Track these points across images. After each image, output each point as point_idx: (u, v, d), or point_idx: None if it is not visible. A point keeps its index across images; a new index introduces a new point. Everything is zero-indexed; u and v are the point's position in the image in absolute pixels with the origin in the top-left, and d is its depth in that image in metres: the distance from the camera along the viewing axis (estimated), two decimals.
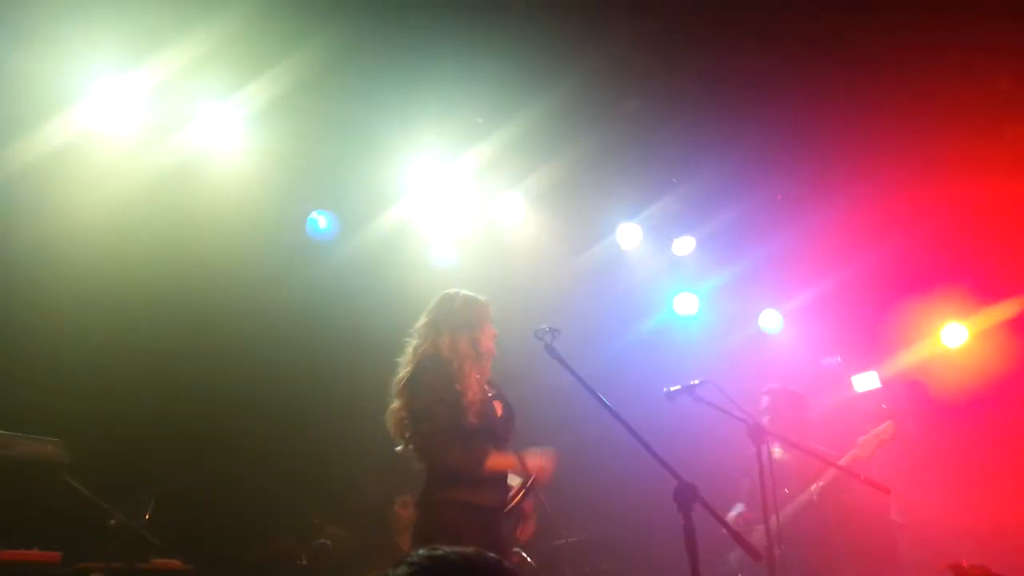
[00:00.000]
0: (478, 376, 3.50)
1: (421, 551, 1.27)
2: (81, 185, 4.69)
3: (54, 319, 4.61)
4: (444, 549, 1.27)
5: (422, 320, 3.63)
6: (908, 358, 6.59)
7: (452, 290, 3.68)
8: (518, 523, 3.59)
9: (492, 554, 1.30)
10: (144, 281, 4.93)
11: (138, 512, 4.20)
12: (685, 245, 6.65)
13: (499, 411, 3.55)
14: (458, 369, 3.46)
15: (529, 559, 5.00)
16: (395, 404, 3.51)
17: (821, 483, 4.65)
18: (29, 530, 3.92)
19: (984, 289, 6.51)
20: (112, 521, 3.99)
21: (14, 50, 4.36)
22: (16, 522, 3.89)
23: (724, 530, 2.67)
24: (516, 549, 4.99)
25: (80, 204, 4.67)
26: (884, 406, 5.09)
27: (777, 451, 4.98)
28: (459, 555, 1.26)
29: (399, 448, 3.55)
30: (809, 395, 6.23)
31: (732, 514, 4.75)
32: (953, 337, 6.72)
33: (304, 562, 4.91)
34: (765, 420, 4.65)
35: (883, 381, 6.12)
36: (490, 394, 3.58)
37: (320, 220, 5.65)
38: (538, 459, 3.46)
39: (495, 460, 3.41)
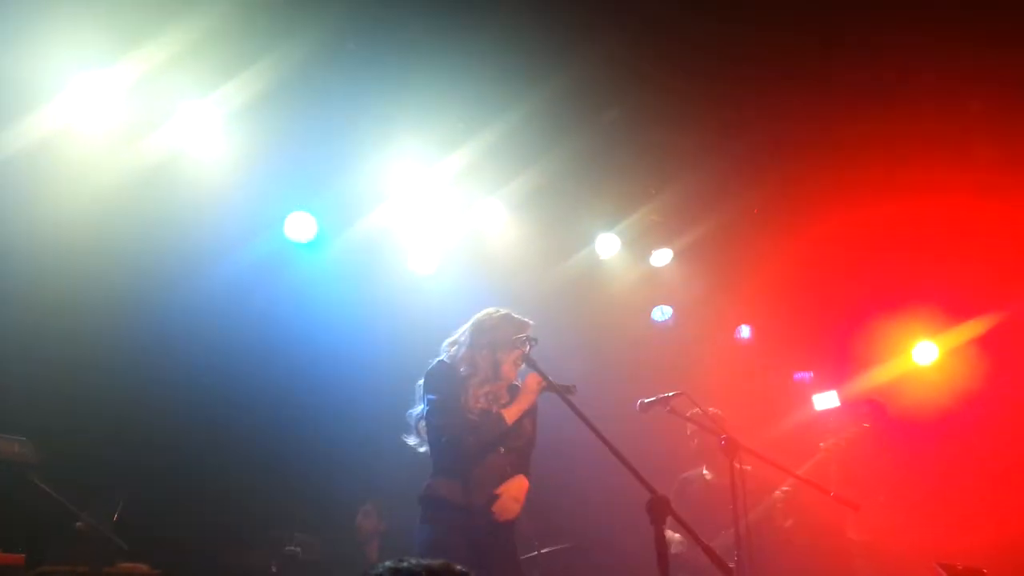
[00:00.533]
0: (488, 394, 3.55)
1: (387, 563, 1.28)
2: (57, 183, 4.62)
3: (25, 317, 4.54)
4: (410, 561, 1.27)
5: (460, 328, 3.72)
6: (878, 376, 6.67)
7: (496, 308, 3.72)
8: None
9: (460, 567, 1.30)
10: (119, 280, 4.87)
11: (106, 515, 4.14)
12: (663, 257, 6.69)
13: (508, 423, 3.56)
14: (467, 382, 3.54)
15: None
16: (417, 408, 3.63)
17: (786, 488, 4.71)
18: None
19: (955, 307, 6.61)
20: (79, 523, 3.94)
21: None
22: None
23: (695, 543, 2.68)
24: None
25: (56, 202, 4.60)
26: (865, 425, 5.15)
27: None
28: (424, 567, 1.27)
29: (411, 440, 3.65)
30: (777, 411, 6.33)
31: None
32: (924, 355, 6.81)
33: (274, 570, 4.87)
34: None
35: (842, 400, 6.19)
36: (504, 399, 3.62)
37: (298, 222, 5.60)
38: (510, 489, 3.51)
39: (499, 423, 3.45)
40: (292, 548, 4.83)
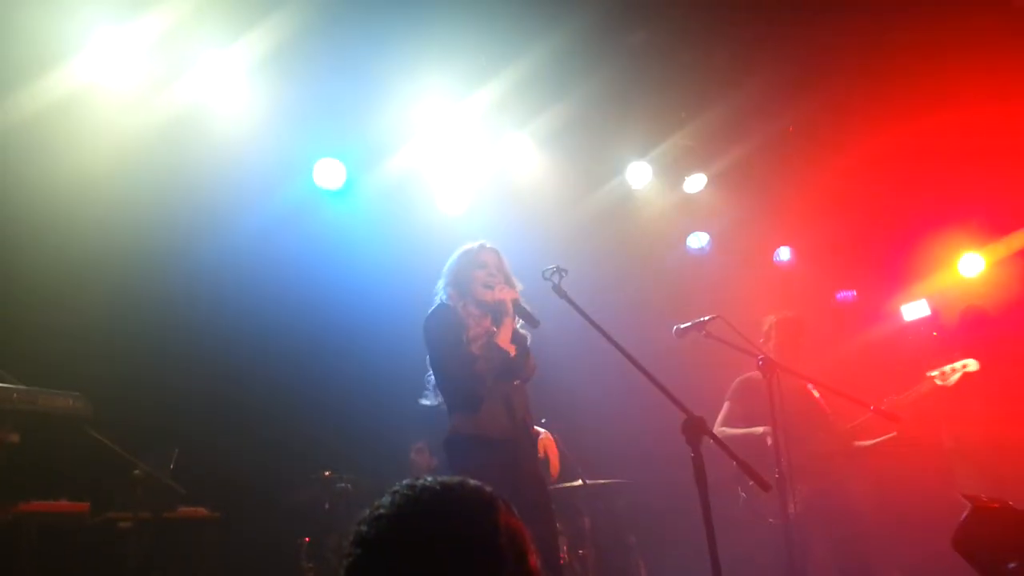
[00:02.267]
0: (477, 314, 3.60)
1: (405, 481, 1.31)
2: (83, 136, 4.68)
3: (65, 273, 4.65)
4: (426, 479, 1.30)
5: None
6: (925, 289, 6.55)
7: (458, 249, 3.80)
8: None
9: (474, 481, 1.33)
10: (152, 232, 4.95)
11: (162, 462, 4.29)
12: (696, 182, 6.58)
13: (512, 351, 3.59)
14: (459, 312, 3.60)
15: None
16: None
17: (873, 441, 4.54)
18: (57, 482, 4.02)
19: (1000, 219, 6.43)
20: (136, 471, 4.09)
21: (12, 3, 4.31)
22: (44, 475, 3.98)
23: (733, 462, 2.69)
24: None
25: (83, 155, 4.66)
26: (935, 334, 5.01)
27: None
28: (440, 482, 1.30)
29: (426, 401, 3.71)
30: (826, 329, 6.22)
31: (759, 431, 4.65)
32: (970, 267, 6.67)
33: (327, 507, 5.02)
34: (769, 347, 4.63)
35: (933, 308, 6.05)
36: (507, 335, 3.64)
37: (327, 167, 5.60)
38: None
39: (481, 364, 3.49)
40: (344, 485, 4.96)
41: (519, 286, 3.72)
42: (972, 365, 4.48)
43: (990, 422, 5.59)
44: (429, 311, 3.65)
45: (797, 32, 5.29)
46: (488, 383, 3.47)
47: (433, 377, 3.65)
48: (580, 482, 5.13)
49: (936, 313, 6.01)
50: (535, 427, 3.71)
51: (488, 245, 3.75)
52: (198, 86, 4.97)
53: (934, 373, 4.54)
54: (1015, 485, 5.30)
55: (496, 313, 3.61)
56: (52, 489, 3.94)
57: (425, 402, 3.72)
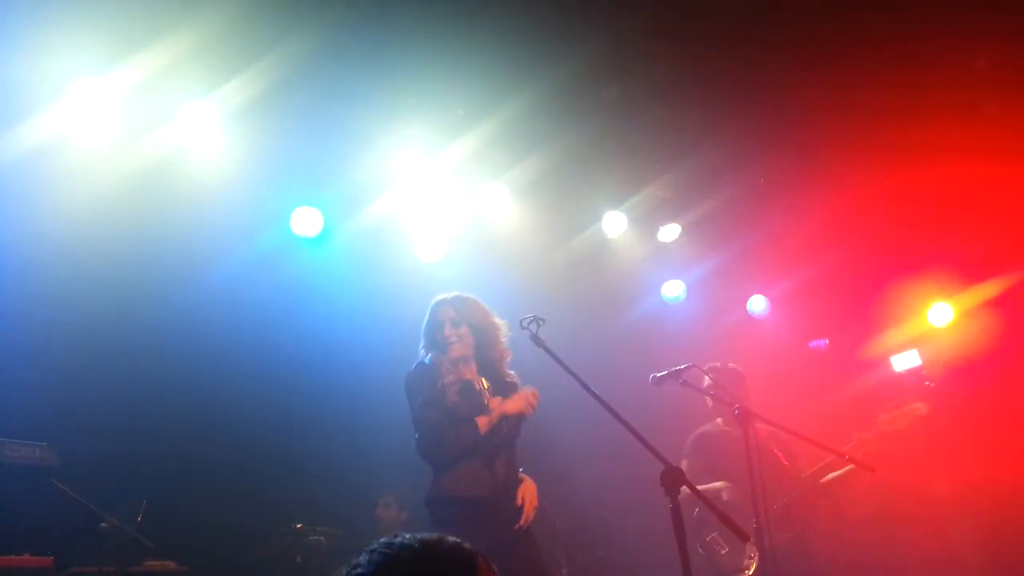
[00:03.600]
0: (455, 384, 3.59)
1: (382, 539, 1.30)
2: (59, 186, 4.65)
3: (35, 321, 4.58)
4: (404, 536, 1.29)
5: None
6: (894, 338, 6.65)
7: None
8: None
9: (452, 538, 1.31)
10: (127, 283, 4.90)
11: (130, 515, 4.19)
12: (671, 232, 6.67)
13: (496, 401, 3.59)
14: (435, 365, 3.61)
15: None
16: None
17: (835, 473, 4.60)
18: (20, 536, 3.91)
19: (970, 268, 6.58)
20: (103, 524, 3.99)
21: None
22: (7, 528, 3.88)
23: (711, 512, 2.68)
24: None
25: (58, 205, 4.63)
26: (929, 383, 5.12)
27: (722, 423, 4.97)
28: (418, 539, 1.29)
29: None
30: (800, 378, 6.29)
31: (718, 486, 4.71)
32: (940, 316, 6.79)
33: (299, 560, 4.91)
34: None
35: (923, 358, 6.14)
36: (485, 387, 3.66)
37: (303, 216, 5.62)
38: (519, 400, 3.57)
39: (472, 431, 3.47)
40: (316, 538, 4.86)
41: (498, 322, 3.72)
42: (921, 409, 4.60)
43: (987, 468, 5.67)
44: (411, 368, 3.67)
45: (768, 88, 5.43)
46: (468, 433, 3.45)
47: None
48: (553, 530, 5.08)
49: (925, 363, 6.11)
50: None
51: (439, 298, 3.75)
52: (175, 136, 4.97)
53: (884, 417, 4.64)
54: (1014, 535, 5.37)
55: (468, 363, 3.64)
56: (15, 542, 3.84)
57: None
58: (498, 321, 3.73)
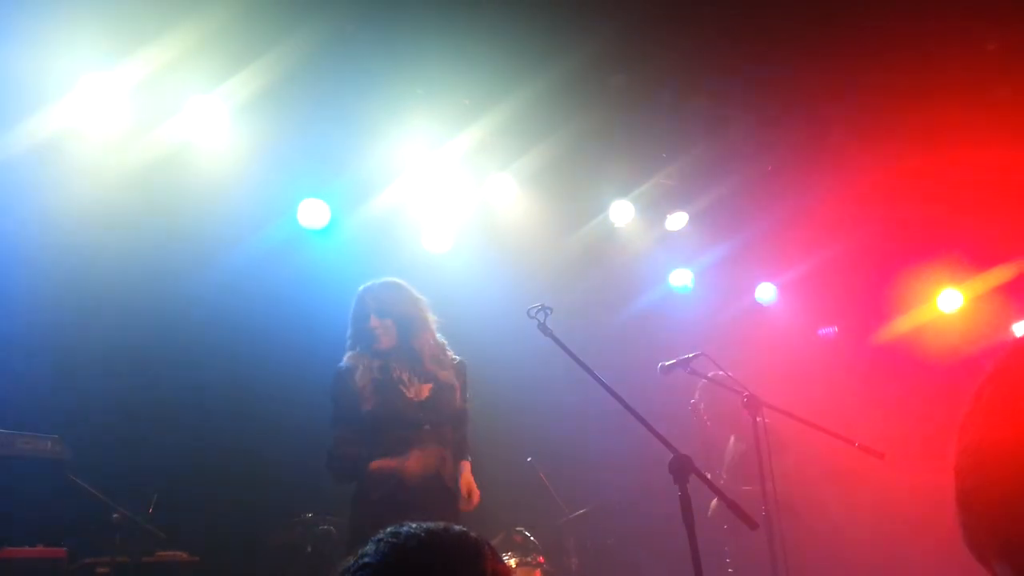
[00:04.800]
0: (371, 362, 3.52)
1: (389, 528, 1.31)
2: (67, 180, 4.68)
3: (46, 315, 4.61)
4: (410, 525, 1.30)
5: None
6: (903, 324, 6.64)
7: None
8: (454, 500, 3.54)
9: (459, 527, 1.32)
10: (135, 274, 4.91)
11: (141, 506, 4.23)
12: (678, 220, 6.65)
13: (423, 393, 3.51)
14: (351, 369, 3.54)
15: (532, 537, 5.04)
16: None
17: None
18: (34, 527, 3.95)
19: (979, 254, 6.55)
20: (115, 515, 4.02)
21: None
22: (20, 520, 3.92)
23: (720, 500, 2.69)
24: (519, 528, 5.03)
25: (67, 200, 4.66)
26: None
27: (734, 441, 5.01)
28: (424, 528, 1.30)
29: None
30: (807, 366, 6.29)
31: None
32: (949, 303, 6.76)
33: (309, 549, 4.94)
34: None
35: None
36: (413, 378, 3.55)
37: (311, 208, 5.63)
38: (410, 459, 3.42)
39: (345, 450, 3.45)
40: (326, 527, 4.88)
41: (427, 311, 3.65)
42: None
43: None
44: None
45: (776, 73, 5.40)
46: (381, 433, 3.40)
47: None
48: (564, 518, 5.11)
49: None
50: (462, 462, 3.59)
51: (365, 287, 3.66)
52: (183, 129, 4.99)
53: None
54: None
55: (398, 358, 3.55)
56: (29, 535, 3.87)
57: None
58: (427, 310, 3.65)
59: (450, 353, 3.68)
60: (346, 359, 3.60)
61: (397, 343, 3.55)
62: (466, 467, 3.60)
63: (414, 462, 3.38)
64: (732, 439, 5.13)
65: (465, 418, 3.70)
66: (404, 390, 3.49)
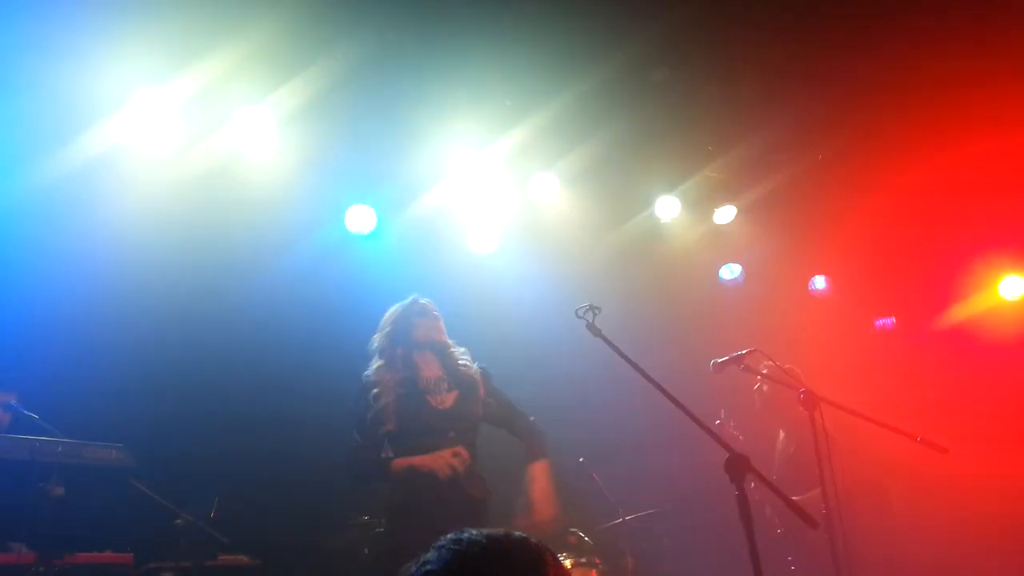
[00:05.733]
0: (393, 379, 3.53)
1: (450, 535, 1.31)
2: (122, 193, 4.82)
3: (106, 326, 4.74)
4: (471, 532, 1.30)
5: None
6: (964, 311, 6.46)
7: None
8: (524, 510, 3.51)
9: (519, 533, 1.32)
10: (188, 283, 5.04)
11: (203, 511, 4.32)
12: (727, 214, 6.56)
13: (447, 402, 3.51)
14: (375, 383, 3.54)
15: (587, 538, 5.02)
16: None
17: None
18: (101, 534, 4.07)
19: None
20: (178, 521, 4.12)
21: (53, 65, 4.48)
22: (90, 526, 4.03)
23: (779, 499, 2.64)
24: (573, 529, 5.02)
25: (122, 212, 4.79)
26: None
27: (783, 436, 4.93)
28: (485, 535, 1.30)
29: None
30: (864, 358, 6.14)
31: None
32: (1012, 289, 6.56)
33: (366, 551, 4.99)
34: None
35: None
36: (443, 386, 3.56)
37: (358, 213, 5.71)
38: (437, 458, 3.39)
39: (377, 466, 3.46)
40: (382, 530, 4.93)
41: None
42: None
43: None
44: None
45: (825, 61, 5.26)
46: (405, 443, 3.41)
47: None
48: (620, 520, 5.07)
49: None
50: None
51: (421, 300, 3.72)
52: (233, 140, 5.10)
53: None
54: None
55: (443, 353, 3.58)
56: (97, 541, 3.99)
57: None
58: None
59: (472, 362, 3.70)
60: (372, 370, 3.61)
61: (430, 351, 3.59)
62: (537, 471, 3.57)
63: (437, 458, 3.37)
64: (781, 435, 5.03)
65: (513, 416, 3.67)
66: (429, 399, 3.51)
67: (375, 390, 3.52)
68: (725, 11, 4.84)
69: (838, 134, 5.95)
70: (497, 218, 6.10)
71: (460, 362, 3.62)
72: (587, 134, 5.72)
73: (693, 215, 6.55)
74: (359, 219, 5.71)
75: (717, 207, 6.54)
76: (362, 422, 3.51)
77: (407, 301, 3.73)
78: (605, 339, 3.25)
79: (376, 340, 3.69)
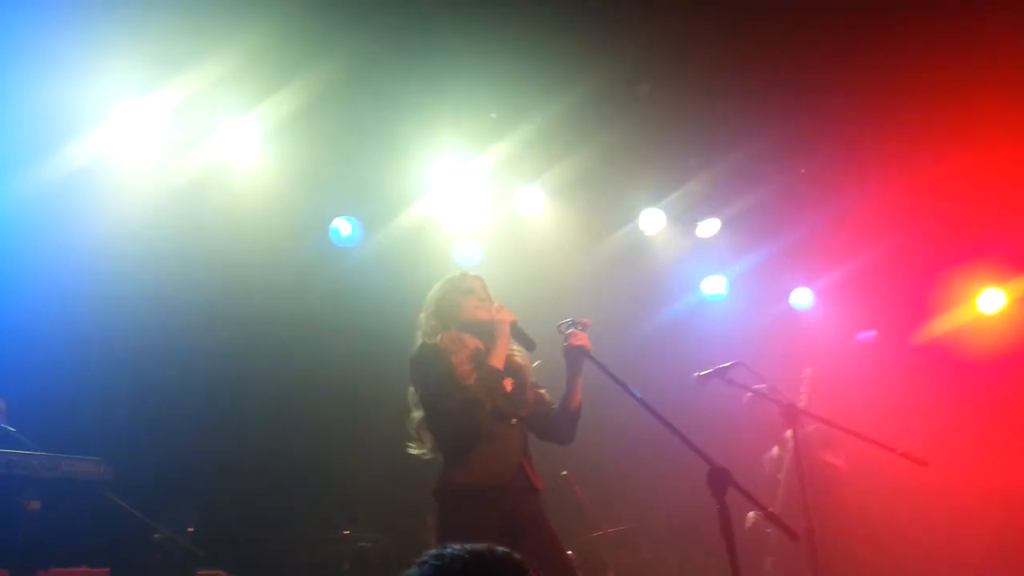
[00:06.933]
0: (463, 339, 3.35)
1: (432, 551, 1.30)
2: (105, 203, 4.78)
3: (85, 337, 4.69)
4: (454, 548, 1.29)
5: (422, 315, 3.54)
6: (943, 324, 6.51)
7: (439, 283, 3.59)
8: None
9: (502, 548, 1.31)
10: (172, 295, 5.00)
11: (181, 525, 4.27)
12: (710, 227, 6.59)
13: (507, 387, 3.37)
14: (449, 349, 3.31)
15: (569, 552, 5.00)
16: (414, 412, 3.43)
17: None
18: (78, 548, 4.00)
19: (1022, 254, 6.40)
20: (156, 535, 4.08)
21: (36, 75, 4.44)
22: (66, 540, 3.97)
23: (761, 512, 2.64)
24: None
25: (105, 221, 4.76)
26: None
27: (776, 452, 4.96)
28: (468, 551, 1.28)
29: (413, 450, 3.44)
30: (846, 371, 6.19)
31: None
32: (990, 303, 6.62)
33: (347, 567, 4.95)
34: (802, 399, 4.64)
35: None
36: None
37: (342, 226, 5.70)
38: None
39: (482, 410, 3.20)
40: (363, 544, 4.90)
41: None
42: None
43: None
44: (413, 352, 3.39)
45: (808, 74, 5.31)
46: (483, 418, 3.17)
47: (425, 421, 3.36)
48: (601, 532, 5.06)
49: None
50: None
51: (471, 273, 3.56)
52: (217, 152, 5.08)
53: None
54: None
55: (489, 335, 3.33)
56: (73, 555, 3.93)
57: (412, 451, 3.43)
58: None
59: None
60: (430, 331, 3.37)
61: (494, 321, 3.36)
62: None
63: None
64: (775, 451, 5.06)
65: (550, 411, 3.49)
66: (494, 363, 3.30)
67: (450, 352, 3.28)
68: (709, 25, 4.88)
69: (820, 148, 6.01)
70: (482, 230, 6.10)
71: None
72: (573, 147, 5.74)
73: (677, 228, 6.58)
74: (344, 231, 5.71)
75: (701, 220, 6.57)
76: (442, 383, 3.22)
77: (456, 276, 3.54)
78: (588, 354, 3.26)
79: (424, 316, 3.47)
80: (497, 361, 3.27)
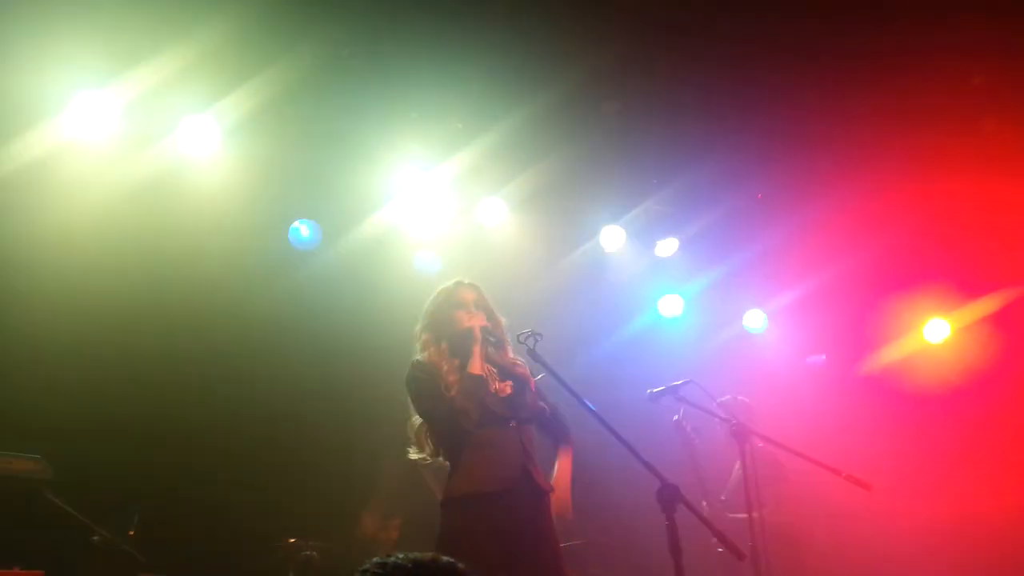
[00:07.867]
0: (456, 360, 3.41)
1: (375, 559, 1.29)
2: (60, 196, 4.68)
3: (33, 331, 4.58)
4: (397, 556, 1.28)
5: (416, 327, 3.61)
6: (890, 354, 6.66)
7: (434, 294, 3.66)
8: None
9: (447, 558, 1.31)
10: (124, 292, 4.90)
11: (123, 528, 4.17)
12: (668, 247, 6.66)
13: (506, 390, 3.39)
14: (436, 363, 3.40)
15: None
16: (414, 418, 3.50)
17: None
18: (11, 548, 3.88)
19: (966, 284, 6.58)
20: (96, 538, 3.97)
21: None
22: None
23: (708, 529, 2.67)
24: None
25: (59, 215, 4.65)
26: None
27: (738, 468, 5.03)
28: (411, 559, 1.28)
29: (416, 456, 3.49)
30: (795, 394, 6.30)
31: None
32: (936, 333, 6.78)
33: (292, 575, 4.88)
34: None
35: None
36: (495, 376, 3.43)
37: (302, 229, 5.64)
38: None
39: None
40: (309, 553, 4.83)
41: (503, 320, 3.56)
42: None
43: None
44: (411, 367, 3.44)
45: (766, 103, 5.44)
46: (470, 426, 3.23)
47: (422, 429, 3.44)
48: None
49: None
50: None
51: (465, 281, 3.61)
52: (176, 147, 4.99)
53: None
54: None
55: (464, 344, 3.40)
56: (6, 556, 3.81)
57: (412, 456, 3.48)
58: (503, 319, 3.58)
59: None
60: (422, 347, 3.47)
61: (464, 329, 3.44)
62: (563, 456, 3.53)
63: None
64: (737, 465, 5.11)
65: (546, 411, 3.53)
66: (488, 382, 3.36)
67: (435, 366, 3.37)
68: (670, 45, 4.96)
69: (776, 173, 6.13)
70: (443, 240, 6.08)
71: (509, 356, 3.50)
72: (536, 160, 5.77)
73: (636, 246, 6.64)
74: (303, 234, 5.64)
75: (660, 239, 6.64)
76: (427, 397, 3.34)
77: (446, 286, 3.59)
78: (545, 365, 3.26)
79: (419, 329, 3.54)
80: (474, 368, 3.33)
